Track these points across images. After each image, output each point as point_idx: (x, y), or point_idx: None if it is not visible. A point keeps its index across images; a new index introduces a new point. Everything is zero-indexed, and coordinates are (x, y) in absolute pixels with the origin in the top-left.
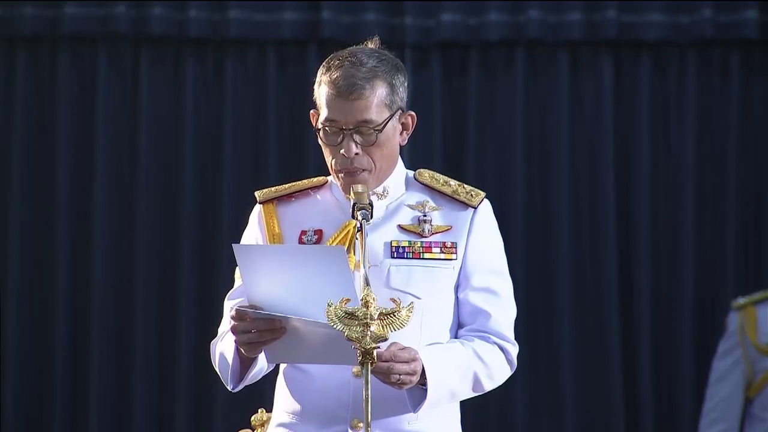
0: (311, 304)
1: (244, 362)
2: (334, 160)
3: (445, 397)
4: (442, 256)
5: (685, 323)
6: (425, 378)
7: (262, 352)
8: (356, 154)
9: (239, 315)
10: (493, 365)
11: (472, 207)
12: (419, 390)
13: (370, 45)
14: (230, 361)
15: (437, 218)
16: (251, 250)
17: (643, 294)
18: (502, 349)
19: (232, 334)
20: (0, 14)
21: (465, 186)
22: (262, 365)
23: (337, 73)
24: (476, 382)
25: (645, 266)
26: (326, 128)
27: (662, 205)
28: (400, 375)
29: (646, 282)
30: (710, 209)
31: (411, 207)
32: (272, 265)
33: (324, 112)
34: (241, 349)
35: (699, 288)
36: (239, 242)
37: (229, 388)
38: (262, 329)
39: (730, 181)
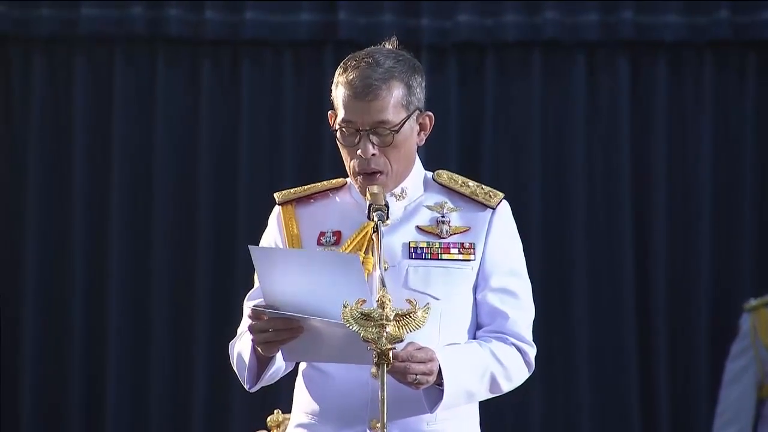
0: (327, 308)
1: (261, 362)
2: (351, 162)
3: (462, 398)
4: (461, 257)
5: (701, 324)
6: (442, 378)
7: (280, 352)
8: (373, 155)
9: (256, 314)
10: (511, 366)
11: (491, 208)
12: (436, 390)
13: (388, 46)
14: (247, 360)
15: (455, 219)
16: (267, 253)
17: (659, 294)
18: (519, 350)
19: (249, 334)
20: (16, 16)
21: (483, 187)
22: (279, 365)
23: (354, 74)
24: (493, 383)
25: (661, 267)
26: (343, 129)
27: (679, 206)
28: (416, 375)
29: (662, 282)
30: (727, 210)
31: (429, 208)
32: (288, 268)
33: (341, 113)
34: (258, 348)
35: (715, 288)
36: (256, 243)
37: (246, 387)
38: (279, 328)
39: (746, 182)
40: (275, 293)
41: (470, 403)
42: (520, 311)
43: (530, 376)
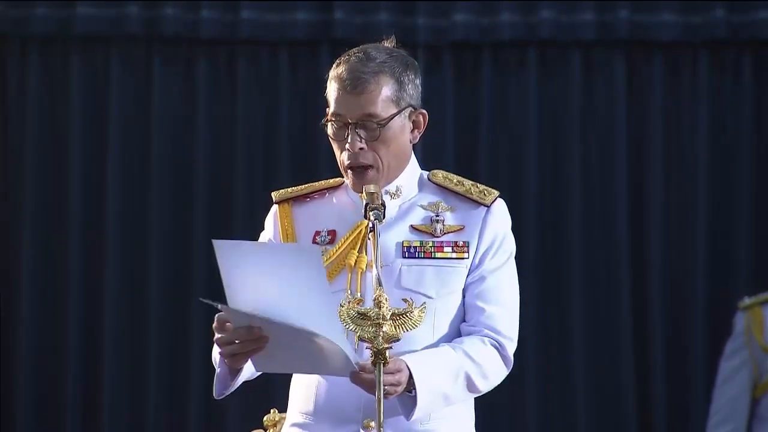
0: (288, 304)
1: (232, 371)
2: (341, 155)
3: (438, 402)
4: (454, 255)
5: (697, 323)
6: (414, 385)
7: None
8: (361, 149)
9: (221, 324)
10: (486, 364)
11: (485, 206)
12: (410, 398)
13: (386, 44)
14: (218, 369)
15: (450, 218)
16: (229, 248)
17: (655, 294)
18: (496, 344)
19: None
20: (12, 15)
21: (478, 185)
22: (252, 371)
23: (344, 68)
24: (470, 383)
25: (658, 266)
26: (333, 123)
27: (675, 206)
28: (384, 386)
29: (659, 281)
30: (723, 209)
31: (424, 207)
32: (249, 264)
33: (331, 107)
34: (226, 361)
35: (711, 288)
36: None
37: (214, 395)
38: (244, 339)
39: (742, 181)
40: (238, 294)
41: (450, 405)
42: (497, 306)
43: (525, 373)
